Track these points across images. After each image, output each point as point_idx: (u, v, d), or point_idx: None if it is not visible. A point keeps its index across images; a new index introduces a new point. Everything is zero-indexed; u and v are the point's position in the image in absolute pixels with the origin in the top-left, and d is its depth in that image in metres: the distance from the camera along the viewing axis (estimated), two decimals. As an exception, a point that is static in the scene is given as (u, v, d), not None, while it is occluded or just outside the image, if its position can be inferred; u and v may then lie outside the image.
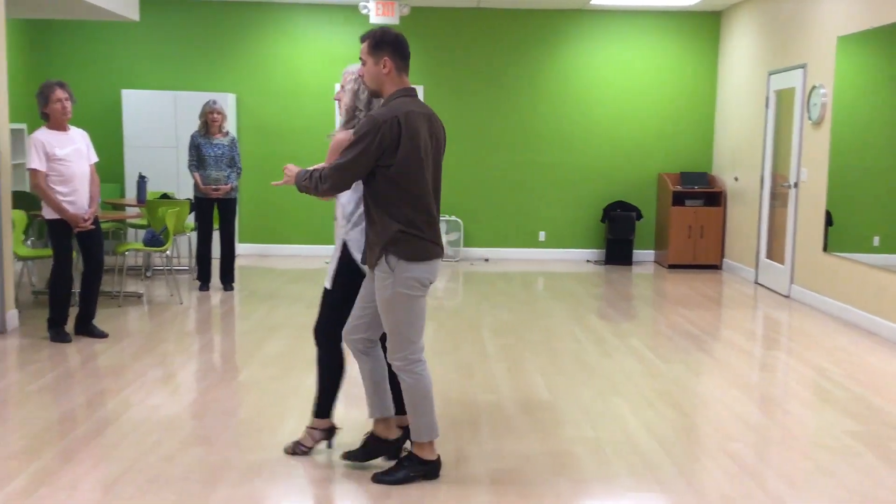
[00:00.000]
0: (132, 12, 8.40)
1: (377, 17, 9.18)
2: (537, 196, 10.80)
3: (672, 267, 10.23)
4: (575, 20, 10.54)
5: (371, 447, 3.80)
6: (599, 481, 3.70)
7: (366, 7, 9.27)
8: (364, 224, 3.65)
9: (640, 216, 10.53)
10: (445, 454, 3.98)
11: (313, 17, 10.34)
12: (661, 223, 10.50)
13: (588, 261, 10.78)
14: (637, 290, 8.71)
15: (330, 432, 3.98)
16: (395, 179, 3.41)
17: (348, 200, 3.73)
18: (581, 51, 10.59)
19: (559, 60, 10.59)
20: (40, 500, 3.38)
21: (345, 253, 3.76)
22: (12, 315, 6.31)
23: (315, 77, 10.39)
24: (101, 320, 6.64)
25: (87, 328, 6.16)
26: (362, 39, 3.56)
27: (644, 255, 10.86)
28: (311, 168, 3.51)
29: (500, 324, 6.90)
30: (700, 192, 10.24)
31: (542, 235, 10.87)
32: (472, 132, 10.66)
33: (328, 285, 3.82)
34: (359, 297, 3.69)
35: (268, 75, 10.35)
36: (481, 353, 5.93)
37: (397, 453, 3.81)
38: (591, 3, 10.06)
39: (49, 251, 6.41)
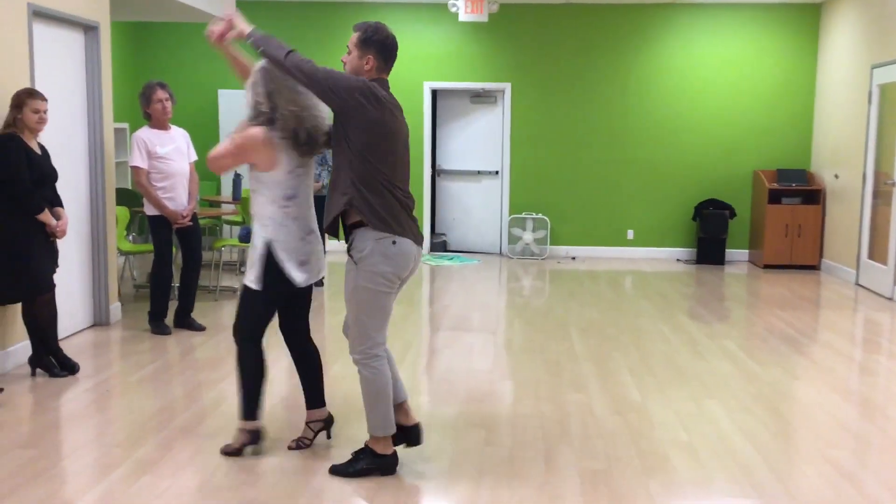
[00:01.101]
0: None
1: (466, 14, 9.19)
2: (626, 193, 10.63)
3: (767, 267, 9.93)
4: (666, 14, 10.33)
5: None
6: (693, 484, 3.62)
7: (455, 5, 9.30)
8: (290, 226, 3.62)
9: (733, 214, 10.25)
10: (535, 452, 3.96)
11: (402, 15, 10.43)
12: (756, 222, 10.20)
13: (678, 260, 10.57)
14: (730, 291, 8.49)
15: (256, 435, 3.87)
16: (367, 155, 3.41)
17: (275, 196, 3.60)
18: (672, 45, 10.37)
19: (650, 56, 10.40)
20: (143, 488, 3.52)
21: (269, 256, 3.63)
22: (115, 308, 6.57)
23: (404, 75, 10.47)
24: (198, 314, 6.85)
25: (185, 321, 6.36)
26: (355, 29, 3.59)
27: (737, 254, 10.57)
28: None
29: (587, 322, 6.83)
30: (798, 189, 9.90)
31: (630, 233, 10.70)
32: (559, 129, 10.57)
33: (252, 284, 3.67)
34: None
35: (358, 74, 10.48)
36: (569, 351, 5.88)
37: (417, 439, 3.78)
38: (683, -4, 9.85)
39: (150, 246, 6.65)
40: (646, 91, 10.46)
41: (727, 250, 10.47)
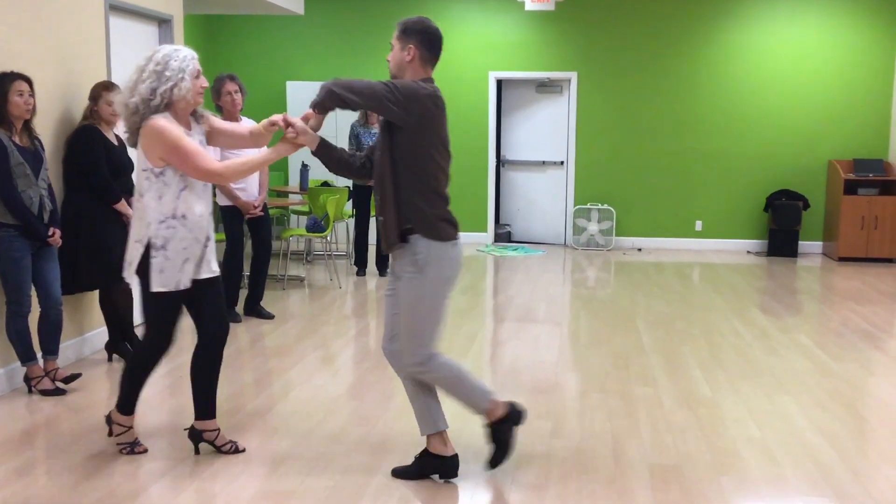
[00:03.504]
0: (298, 7, 8.73)
1: (532, 3, 9.12)
2: (694, 184, 10.43)
3: (842, 260, 9.64)
4: (737, 0, 10.08)
5: (425, 463, 3.58)
6: (767, 483, 3.54)
7: (521, -6, 9.22)
8: (167, 249, 3.46)
9: (806, 205, 9.98)
10: (603, 445, 3.92)
11: (467, 5, 10.38)
12: (831, 213, 9.90)
13: (749, 252, 10.34)
14: (803, 284, 8.27)
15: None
16: (430, 162, 3.37)
17: (162, 209, 3.46)
18: (744, 32, 10.12)
19: (720, 43, 10.17)
20: (216, 473, 3.59)
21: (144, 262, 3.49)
22: (188, 295, 6.71)
23: (469, 66, 10.44)
24: (267, 302, 6.96)
25: (255, 309, 6.47)
26: (397, 24, 3.46)
27: (811, 246, 10.29)
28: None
29: (655, 315, 6.73)
30: (875, 180, 9.58)
31: (698, 225, 10.50)
32: (626, 119, 10.42)
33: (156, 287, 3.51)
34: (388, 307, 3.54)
35: (423, 65, 10.49)
36: (636, 344, 5.80)
37: (452, 470, 3.54)
38: (756, -19, 9.59)
39: (221, 236, 6.77)
40: (716, 79, 10.23)
41: (800, 242, 10.19)
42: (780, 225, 9.94)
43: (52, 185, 4.62)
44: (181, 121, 3.52)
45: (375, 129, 8.11)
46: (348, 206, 9.31)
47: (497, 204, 11.09)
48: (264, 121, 3.62)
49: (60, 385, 4.60)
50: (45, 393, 4.52)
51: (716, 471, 3.65)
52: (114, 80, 5.49)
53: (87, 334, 5.35)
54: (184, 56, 3.48)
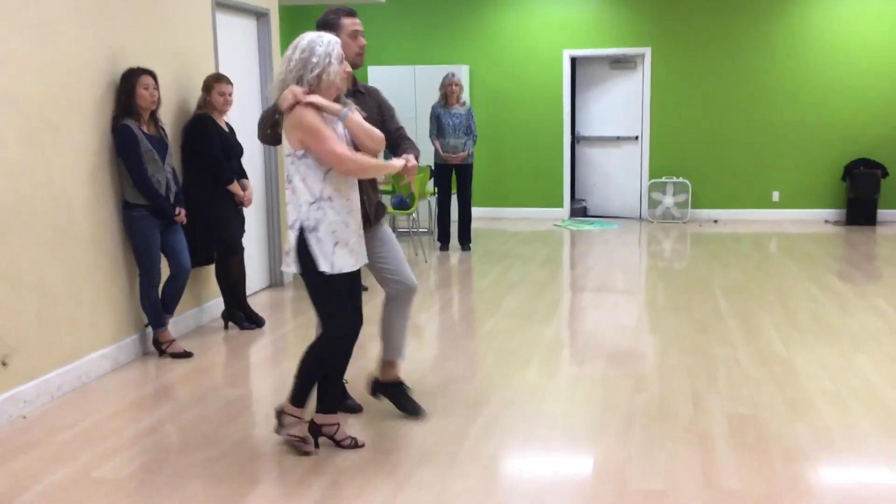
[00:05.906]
0: (378, -6, 9.09)
1: (606, -18, 9.28)
2: (771, 155, 10.50)
3: (922, 227, 9.62)
4: (814, -30, 10.08)
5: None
6: (842, 429, 3.80)
7: (594, -27, 9.41)
8: (319, 230, 3.44)
9: (885, 174, 9.96)
10: (683, 398, 4.21)
11: (541, -14, 10.62)
12: (910, 181, 9.87)
13: (826, 221, 10.37)
14: (882, 251, 8.33)
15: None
16: None
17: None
18: (820, 0, 10.11)
19: (794, 11, 10.18)
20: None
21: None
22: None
23: (544, 45, 10.69)
24: (358, 276, 7.39)
25: (349, 282, 6.91)
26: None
27: (889, 215, 10.27)
28: None
29: (731, 283, 6.94)
30: (956, 146, 9.52)
31: (775, 195, 10.57)
32: (701, 92, 10.53)
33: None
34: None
35: (499, 46, 10.78)
36: (714, 309, 6.04)
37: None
38: (832, -50, 9.57)
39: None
40: (790, 48, 10.25)
41: (879, 210, 10.19)
42: (859, 194, 9.95)
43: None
44: None
45: (456, 108, 8.46)
46: (430, 185, 9.69)
47: (573, 179, 11.34)
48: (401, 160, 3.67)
49: (187, 349, 5.11)
50: (175, 355, 5.04)
51: (790, 418, 3.92)
52: (221, 71, 5.97)
53: (204, 304, 5.87)
54: (328, 41, 3.38)
